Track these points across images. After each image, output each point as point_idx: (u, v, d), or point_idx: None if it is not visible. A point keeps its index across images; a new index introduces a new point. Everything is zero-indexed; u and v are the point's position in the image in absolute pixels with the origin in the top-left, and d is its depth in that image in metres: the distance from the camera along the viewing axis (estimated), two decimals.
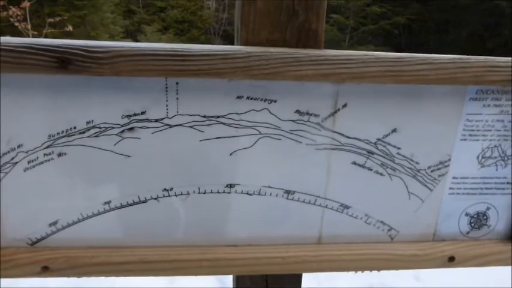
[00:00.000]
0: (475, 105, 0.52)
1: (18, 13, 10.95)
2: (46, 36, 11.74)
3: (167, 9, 31.44)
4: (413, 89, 0.51)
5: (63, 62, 0.44)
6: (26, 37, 8.21)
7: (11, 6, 10.97)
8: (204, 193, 0.52)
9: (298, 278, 0.62)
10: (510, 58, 0.51)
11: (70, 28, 11.60)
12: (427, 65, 0.48)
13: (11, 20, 11.08)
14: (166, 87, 0.47)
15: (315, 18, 0.52)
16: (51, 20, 11.39)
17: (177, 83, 0.47)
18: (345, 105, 0.50)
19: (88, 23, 13.24)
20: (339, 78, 0.47)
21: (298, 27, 0.51)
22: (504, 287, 1.88)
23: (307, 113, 0.50)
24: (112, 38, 15.33)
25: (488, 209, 0.57)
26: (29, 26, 11.27)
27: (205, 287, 1.50)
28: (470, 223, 0.58)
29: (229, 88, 0.48)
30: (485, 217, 0.58)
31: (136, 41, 23.87)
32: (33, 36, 11.41)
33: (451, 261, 0.57)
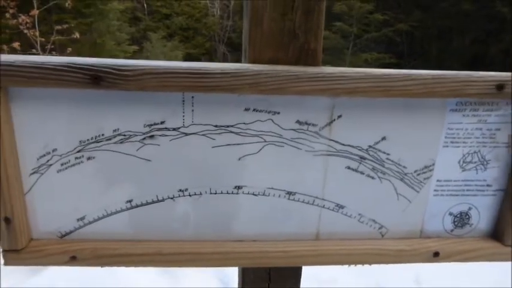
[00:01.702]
0: (455, 115, 0.59)
1: (27, 21, 11.12)
2: (53, 43, 11.90)
3: (172, 16, 31.69)
4: (400, 102, 0.57)
5: (96, 79, 0.51)
6: (33, 43, 8.27)
7: (20, 14, 11.16)
8: (215, 193, 0.58)
9: (298, 271, 0.68)
10: (485, 73, 0.58)
11: (77, 35, 11.77)
12: (410, 81, 0.55)
13: (20, 27, 11.26)
14: (183, 100, 0.54)
15: (313, 39, 0.59)
16: (58, 27, 11.56)
17: (192, 97, 0.54)
18: (340, 116, 0.57)
19: (95, 30, 13.40)
20: (334, 93, 0.54)
21: (299, 47, 0.58)
22: (504, 287, 1.92)
23: (307, 123, 0.56)
24: (118, 45, 15.51)
25: (470, 209, 0.64)
26: (37, 33, 11.44)
27: (208, 287, 1.56)
28: (454, 222, 0.64)
29: (238, 101, 0.55)
30: (467, 216, 0.64)
31: (142, 47, 24.06)
32: (41, 42, 11.57)
33: (436, 256, 0.63)
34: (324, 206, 0.60)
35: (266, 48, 0.58)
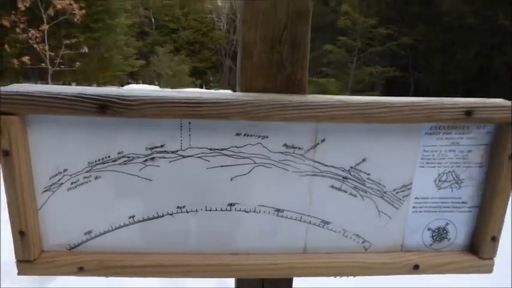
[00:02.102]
0: (430, 138, 0.64)
1: (37, 35, 11.38)
2: (62, 57, 12.13)
3: (179, 30, 32.20)
4: (378, 126, 0.63)
5: (103, 108, 0.57)
6: (43, 57, 8.46)
7: (30, 29, 11.41)
8: (210, 210, 0.64)
9: (289, 281, 0.73)
10: (455, 99, 0.63)
11: (85, 49, 12.01)
12: (387, 108, 0.60)
13: (30, 42, 11.51)
14: (181, 126, 0.60)
15: (299, 70, 0.65)
16: (67, 41, 11.81)
17: (189, 123, 0.60)
18: (323, 140, 0.62)
19: (102, 44, 13.66)
20: (318, 120, 0.60)
21: (286, 77, 0.65)
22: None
23: (293, 147, 0.62)
24: (125, 59, 15.79)
25: (447, 224, 0.69)
26: (47, 47, 11.68)
27: (206, 287, 1.59)
28: (433, 236, 0.69)
29: (230, 127, 0.61)
30: (445, 231, 0.69)
31: (149, 61, 24.39)
32: (50, 56, 11.80)
33: (416, 268, 0.68)
34: (310, 222, 0.66)
35: (256, 78, 0.65)
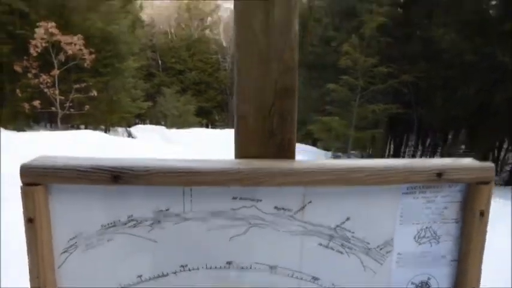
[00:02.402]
0: (407, 197, 0.71)
1: (48, 80, 11.79)
2: (72, 101, 12.47)
3: (185, 71, 33.01)
4: (360, 188, 0.70)
5: (115, 178, 0.65)
6: (53, 101, 8.74)
7: (41, 74, 11.83)
8: (210, 268, 0.70)
9: None
10: (427, 162, 0.71)
11: (94, 93, 12.36)
12: (366, 172, 0.68)
13: (41, 86, 11.90)
14: (184, 192, 0.68)
15: (288, 137, 0.73)
16: (77, 86, 12.19)
17: (191, 189, 0.68)
18: (310, 202, 0.70)
19: (111, 87, 14.04)
20: (305, 184, 0.67)
21: (277, 144, 0.73)
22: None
23: (283, 209, 0.69)
24: (133, 101, 16.17)
25: (429, 279, 0.74)
26: (57, 92, 12.04)
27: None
28: None
29: (227, 192, 0.68)
30: (427, 285, 0.75)
31: (155, 102, 24.86)
32: (60, 100, 12.14)
33: None
34: (302, 278, 0.72)
35: (250, 145, 0.73)
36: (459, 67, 10.62)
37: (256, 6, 0.66)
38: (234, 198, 0.69)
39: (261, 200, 0.69)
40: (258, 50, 0.68)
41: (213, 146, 11.75)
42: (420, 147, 19.09)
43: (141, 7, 27.38)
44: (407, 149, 19.52)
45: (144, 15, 29.48)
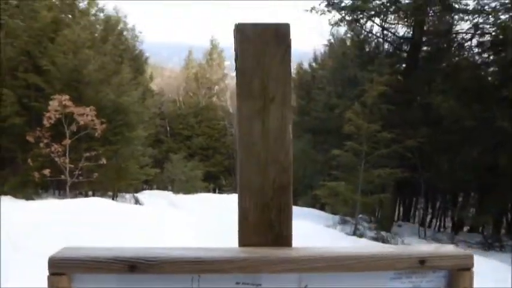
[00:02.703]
0: (395, 282, 0.79)
1: (59, 149, 12.09)
2: (81, 169, 12.70)
3: (193, 137, 33.68)
4: (351, 273, 0.78)
5: (132, 268, 0.74)
6: (63, 170, 8.85)
7: (53, 144, 12.17)
8: None
9: None
10: (411, 249, 0.79)
11: (104, 161, 12.61)
12: (356, 260, 0.76)
13: (52, 155, 12.20)
14: (192, 278, 0.76)
15: (285, 228, 0.83)
16: (87, 154, 12.48)
17: (199, 275, 0.76)
18: (305, 286, 0.77)
19: (120, 155, 14.34)
20: (300, 271, 0.76)
21: (275, 233, 0.82)
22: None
23: None
24: (141, 168, 16.42)
25: None
26: (67, 160, 12.31)
27: None
28: None
29: (231, 277, 0.77)
30: None
31: (163, 169, 25.13)
32: (70, 169, 12.37)
33: None
34: None
35: (252, 235, 0.82)
36: (460, 132, 10.82)
37: (255, 117, 0.79)
38: (237, 283, 0.77)
39: (260, 285, 0.77)
40: (257, 153, 0.79)
41: (219, 211, 11.71)
42: (430, 210, 18.85)
43: (151, 78, 28.66)
44: (417, 212, 19.27)
45: (154, 86, 30.77)
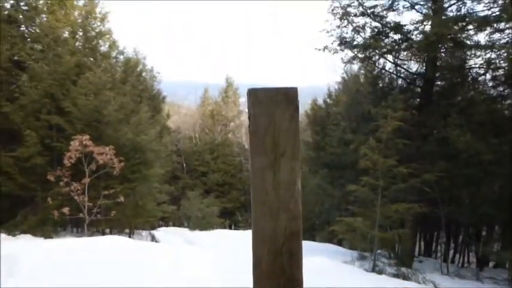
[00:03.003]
0: None
1: (79, 188, 12.32)
2: (99, 207, 12.86)
3: (209, 173, 33.86)
4: None
5: None
6: (81, 208, 9.03)
7: (73, 182, 12.43)
8: None
9: None
10: None
11: (121, 199, 12.76)
12: None
13: (72, 194, 12.42)
14: None
15: (296, 272, 0.90)
16: (106, 192, 12.67)
17: None
18: None
19: (137, 193, 14.51)
20: None
21: (287, 278, 0.89)
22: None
23: None
24: (158, 205, 16.53)
25: None
26: (86, 199, 12.51)
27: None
28: None
29: None
30: None
31: (179, 205, 25.22)
32: (88, 207, 12.55)
33: None
34: None
35: (265, 279, 0.89)
36: (479, 165, 10.70)
37: (267, 170, 0.88)
38: None
39: None
40: (270, 202, 0.88)
41: (235, 248, 11.64)
42: (453, 245, 18.30)
43: (168, 116, 29.30)
44: (438, 247, 18.72)
45: (171, 123, 31.40)
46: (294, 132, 0.88)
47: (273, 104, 0.87)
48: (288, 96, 0.87)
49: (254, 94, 0.88)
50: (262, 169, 0.87)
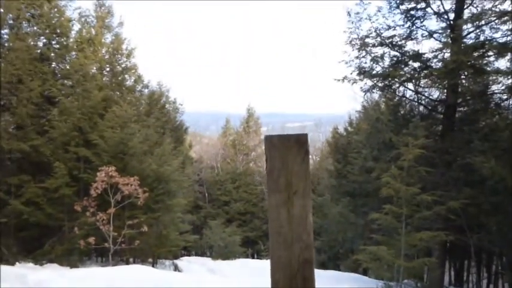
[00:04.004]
0: None
1: (104, 218, 12.62)
2: (124, 237, 13.09)
3: (231, 202, 33.94)
4: None
5: None
6: (106, 237, 9.26)
7: (98, 212, 12.75)
8: None
9: None
10: None
11: (145, 228, 12.98)
12: None
13: (97, 223, 12.72)
14: None
15: None
16: (130, 222, 12.93)
17: None
18: None
19: (161, 222, 14.73)
20: None
21: None
22: None
23: None
24: (180, 234, 16.68)
25: None
26: (111, 228, 12.77)
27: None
28: None
29: None
30: None
31: (201, 235, 25.26)
32: (113, 236, 12.79)
33: None
34: None
35: None
36: (505, 192, 10.47)
37: (281, 206, 1.01)
38: None
39: None
40: (285, 234, 1.01)
41: (257, 277, 11.57)
42: (485, 274, 17.61)
43: (190, 146, 29.80)
44: (470, 277, 18.02)
45: (193, 153, 31.85)
46: (305, 173, 1.01)
47: (286, 148, 1.01)
48: (299, 141, 1.02)
49: (270, 140, 1.02)
50: (278, 205, 1.01)
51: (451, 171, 12.28)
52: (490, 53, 12.14)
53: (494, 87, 13.53)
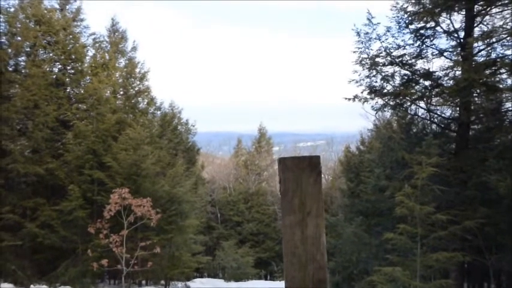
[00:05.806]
0: None
1: (117, 240, 12.64)
2: (137, 258, 13.08)
3: (243, 223, 33.74)
4: None
5: None
6: (119, 259, 9.26)
7: (112, 234, 12.78)
8: None
9: None
10: None
11: (158, 250, 12.96)
12: None
13: (110, 245, 12.75)
14: None
15: None
16: (142, 243, 12.93)
17: None
18: None
19: (173, 243, 14.70)
20: None
21: None
22: None
23: None
24: (193, 255, 16.60)
25: None
26: (124, 250, 12.78)
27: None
28: None
29: None
30: None
31: (214, 256, 25.08)
32: (126, 258, 12.78)
33: None
34: None
35: None
36: None
37: (295, 226, 1.03)
38: None
39: None
40: (299, 255, 1.03)
41: None
42: None
43: (202, 166, 29.89)
44: None
45: (205, 174, 31.92)
46: (318, 194, 1.04)
47: (299, 170, 1.04)
48: (311, 163, 1.05)
49: (283, 162, 1.06)
50: (292, 226, 1.03)
51: (466, 190, 12.08)
52: (503, 70, 12.08)
53: (508, 105, 13.41)
